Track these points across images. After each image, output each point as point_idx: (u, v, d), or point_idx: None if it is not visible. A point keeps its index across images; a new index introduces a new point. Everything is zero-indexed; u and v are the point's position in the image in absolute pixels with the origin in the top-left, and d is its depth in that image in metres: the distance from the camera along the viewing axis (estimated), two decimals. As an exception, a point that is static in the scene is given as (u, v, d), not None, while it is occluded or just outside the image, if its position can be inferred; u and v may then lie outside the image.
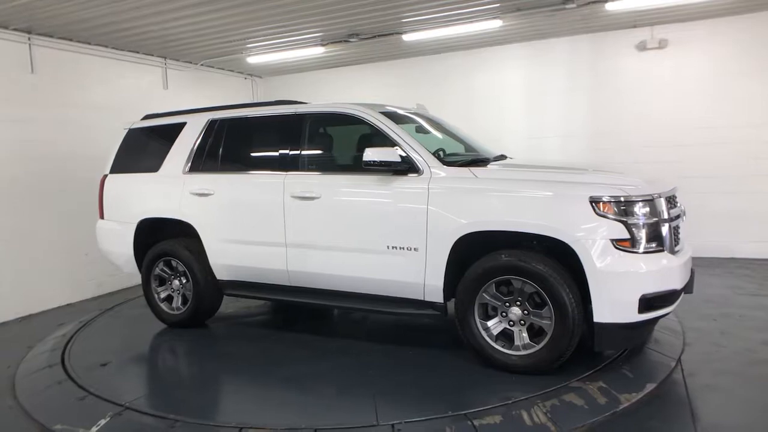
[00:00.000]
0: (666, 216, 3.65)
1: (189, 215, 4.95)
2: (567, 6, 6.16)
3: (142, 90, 7.80)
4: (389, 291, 4.21)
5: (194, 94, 8.57)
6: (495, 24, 6.74)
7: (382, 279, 4.18)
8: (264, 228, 4.62)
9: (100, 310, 6.11)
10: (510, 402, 3.36)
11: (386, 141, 4.22)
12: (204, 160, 5.03)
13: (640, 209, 3.53)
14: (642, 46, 7.50)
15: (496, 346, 3.82)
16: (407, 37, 7.27)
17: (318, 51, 7.86)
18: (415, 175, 4.04)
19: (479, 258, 3.86)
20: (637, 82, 7.63)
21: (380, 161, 3.99)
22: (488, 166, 4.18)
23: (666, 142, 7.55)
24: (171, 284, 5.25)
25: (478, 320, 3.87)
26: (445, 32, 7.05)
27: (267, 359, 4.33)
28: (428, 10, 6.35)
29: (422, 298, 4.09)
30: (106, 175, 5.59)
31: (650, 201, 3.57)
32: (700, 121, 7.38)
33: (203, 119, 5.14)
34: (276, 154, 4.69)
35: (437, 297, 4.02)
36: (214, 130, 5.06)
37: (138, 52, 7.63)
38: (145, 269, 5.28)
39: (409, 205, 4.02)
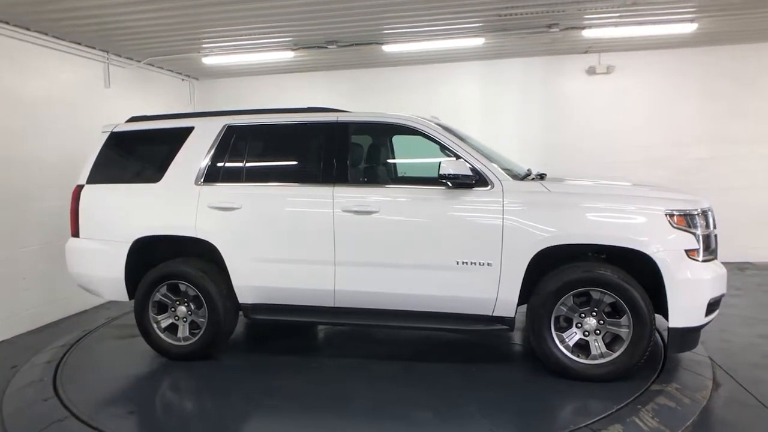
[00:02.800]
0: (714, 227, 4.01)
1: (208, 232, 4.40)
2: (551, 30, 6.52)
3: (82, 87, 6.78)
4: (455, 308, 4.10)
5: (142, 96, 7.66)
6: (478, 41, 6.92)
7: (450, 296, 4.07)
8: (307, 245, 4.26)
9: (65, 345, 5.16)
10: (614, 411, 3.45)
11: (447, 154, 4.12)
12: (223, 169, 4.51)
13: (701, 221, 3.84)
14: (591, 71, 8.19)
15: (573, 357, 3.90)
16: (387, 48, 7.19)
17: (287, 56, 7.45)
18: (485, 188, 4.00)
19: (544, 271, 3.94)
20: (585, 103, 8.31)
21: (454, 174, 3.89)
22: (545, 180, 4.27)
23: (607, 158, 8.29)
24: (175, 311, 4.59)
25: (554, 333, 3.92)
26: (427, 46, 7.08)
27: (327, 391, 3.94)
28: (412, 23, 6.35)
29: (491, 314, 4.05)
30: (81, 186, 4.77)
31: (707, 213, 3.91)
32: (637, 140, 8.22)
33: (217, 124, 4.61)
34: (319, 165, 4.35)
35: (508, 311, 4.00)
36: (233, 136, 4.55)
37: (79, 43, 6.63)
38: (142, 295, 4.57)
39: (483, 219, 3.97)
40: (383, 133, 4.54)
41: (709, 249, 3.86)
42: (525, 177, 4.28)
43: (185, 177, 4.53)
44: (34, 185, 5.98)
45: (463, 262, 3.99)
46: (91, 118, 6.77)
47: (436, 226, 4.08)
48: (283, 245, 4.30)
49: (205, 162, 4.53)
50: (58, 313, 6.28)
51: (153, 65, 7.98)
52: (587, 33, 6.69)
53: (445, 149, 4.15)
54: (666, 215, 3.74)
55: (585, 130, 8.32)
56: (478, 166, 4.03)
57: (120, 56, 7.33)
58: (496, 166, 4.10)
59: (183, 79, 9.00)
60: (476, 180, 4.00)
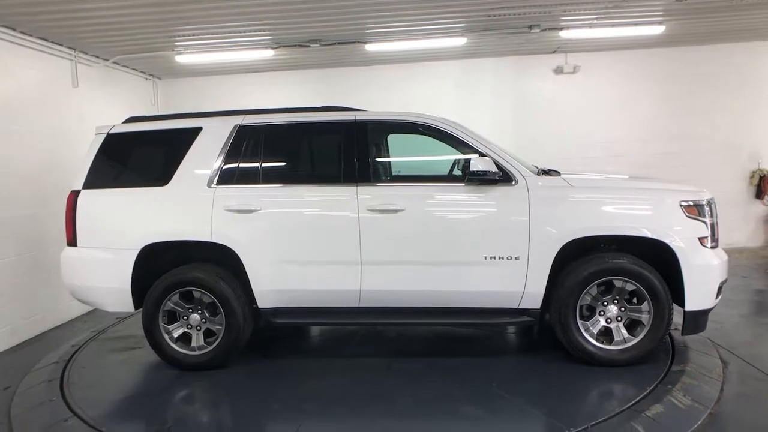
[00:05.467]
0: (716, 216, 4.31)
1: (226, 236, 4.24)
2: (531, 31, 6.74)
3: (49, 87, 6.34)
4: (481, 302, 4.18)
5: (106, 96, 7.25)
6: (460, 41, 7.05)
7: (477, 291, 4.14)
8: (332, 245, 4.20)
9: (59, 362, 4.81)
10: (648, 392, 3.64)
11: (469, 151, 4.20)
12: (238, 171, 4.36)
13: (708, 210, 4.11)
14: (559, 70, 8.54)
15: (598, 344, 4.08)
16: (370, 47, 7.18)
17: (267, 54, 7.28)
18: (509, 184, 4.10)
19: (564, 264, 4.10)
20: (553, 102, 8.65)
21: (483, 171, 3.97)
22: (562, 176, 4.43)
23: (573, 154, 8.68)
24: (188, 320, 4.40)
25: (579, 322, 4.08)
26: (410, 45, 7.13)
27: (365, 391, 3.91)
28: (397, 22, 6.39)
29: (517, 306, 4.16)
30: (77, 192, 4.47)
31: (711, 203, 4.19)
32: (601, 137, 8.66)
33: (227, 125, 4.45)
34: (340, 165, 4.30)
35: (534, 304, 4.13)
36: (246, 137, 4.42)
37: (46, 40, 6.19)
38: (152, 305, 4.34)
39: (510, 214, 4.07)
40: (402, 131, 4.54)
41: (715, 236, 4.15)
42: (539, 173, 4.43)
43: (196, 180, 4.35)
44: (2, 192, 5.51)
45: (491, 257, 4.07)
46: (60, 119, 6.38)
47: (463, 222, 4.15)
48: (305, 247, 4.22)
49: (218, 164, 4.37)
50: (35, 329, 5.84)
51: (118, 63, 7.56)
52: (564, 34, 6.97)
53: (467, 147, 4.22)
54: (681, 206, 3.98)
55: (553, 128, 8.66)
56: (502, 162, 4.13)
57: (87, 54, 6.90)
58: (517, 162, 4.21)
59: (147, 79, 8.59)
60: (500, 176, 4.09)
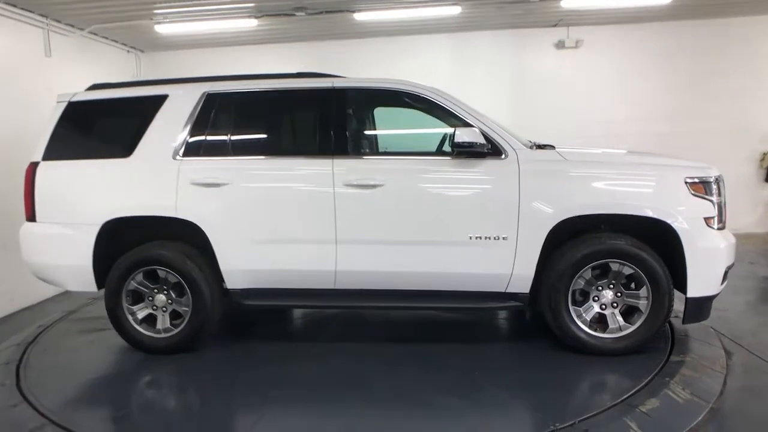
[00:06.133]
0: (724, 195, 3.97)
1: (191, 211, 3.93)
2: (531, 0, 6.35)
3: (19, 55, 6.00)
4: (466, 285, 3.88)
5: (85, 68, 6.91)
6: (454, 10, 6.66)
7: (461, 273, 3.83)
8: (305, 223, 3.89)
9: (21, 344, 4.54)
10: (644, 384, 3.34)
11: (456, 122, 3.85)
12: (206, 142, 4.04)
13: (716, 189, 3.77)
14: (560, 45, 8.14)
15: (591, 332, 3.77)
16: (359, 16, 6.80)
17: (250, 24, 6.91)
18: (499, 157, 3.77)
19: (556, 245, 3.77)
20: (554, 77, 8.27)
21: (469, 143, 3.64)
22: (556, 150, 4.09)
23: (574, 133, 8.29)
24: (153, 300, 4.12)
25: (572, 308, 3.77)
26: (401, 15, 6.76)
27: (339, 377, 3.63)
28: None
29: (504, 290, 3.85)
30: (35, 164, 4.17)
31: (719, 181, 3.85)
32: (602, 115, 8.28)
33: (195, 92, 4.12)
34: (316, 135, 3.98)
35: (523, 287, 3.82)
36: (215, 105, 4.09)
37: (15, 6, 5.84)
38: (115, 284, 4.06)
39: (498, 190, 3.74)
40: (385, 100, 4.21)
41: (722, 217, 3.81)
42: (532, 147, 4.08)
43: (161, 151, 4.03)
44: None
45: (476, 237, 3.75)
46: (31, 89, 6.05)
47: (447, 198, 3.82)
48: (276, 224, 3.92)
49: (184, 134, 4.04)
50: (2, 310, 5.58)
51: (97, 34, 7.22)
52: (565, 3, 6.58)
53: (453, 117, 3.88)
54: (686, 183, 3.65)
55: (553, 106, 8.28)
56: (491, 134, 3.79)
57: (60, 22, 6.55)
58: (509, 134, 3.87)
59: (128, 51, 8.25)
60: (489, 149, 3.76)
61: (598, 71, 8.23)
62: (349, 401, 3.31)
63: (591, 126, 8.26)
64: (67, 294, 6.20)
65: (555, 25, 8.03)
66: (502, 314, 4.87)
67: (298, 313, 5.09)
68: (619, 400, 3.15)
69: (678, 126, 8.24)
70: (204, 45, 8.30)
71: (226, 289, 4.08)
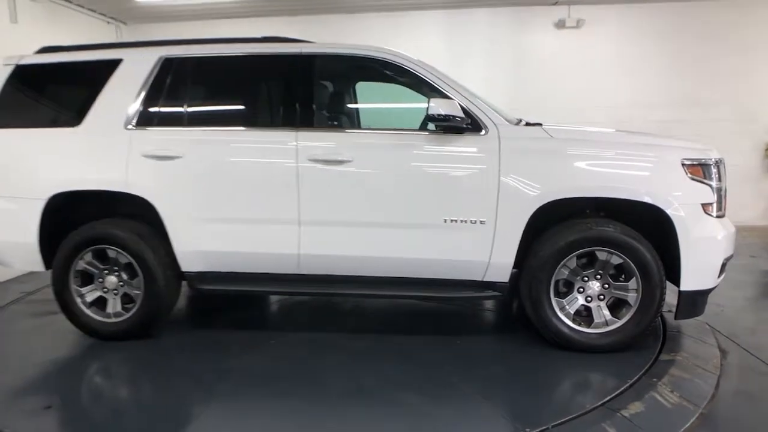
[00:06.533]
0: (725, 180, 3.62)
1: (142, 186, 3.61)
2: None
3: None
4: (439, 273, 3.56)
5: (53, 35, 6.54)
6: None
7: (434, 259, 3.51)
8: (265, 201, 3.57)
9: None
10: (629, 385, 3.02)
11: (434, 94, 3.51)
12: (161, 111, 3.72)
13: (716, 172, 3.43)
14: (561, 24, 7.75)
15: (575, 326, 3.45)
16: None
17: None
18: (478, 133, 3.43)
19: (538, 231, 3.45)
20: (554, 58, 7.89)
21: (445, 115, 3.29)
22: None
23: (573, 118, 7.90)
24: (103, 282, 3.81)
25: (554, 299, 3.45)
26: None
27: (295, 372, 3.32)
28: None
29: (481, 279, 3.53)
30: (-23, 132, 3.85)
31: (719, 164, 3.51)
32: (605, 100, 7.90)
33: (151, 56, 3.78)
34: (280, 106, 3.66)
35: (502, 276, 3.50)
36: (172, 71, 3.75)
37: (-24, -33, 5.50)
38: (62, 264, 3.75)
39: (476, 169, 3.41)
40: (357, 68, 3.88)
41: (722, 204, 3.47)
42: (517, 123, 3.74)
43: (112, 120, 3.70)
44: None
45: (451, 220, 3.43)
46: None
47: (421, 177, 3.49)
48: (234, 201, 3.59)
49: (138, 101, 3.71)
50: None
51: (71, 1, 6.86)
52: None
53: (430, 87, 3.53)
54: (683, 165, 3.31)
55: (553, 89, 7.92)
56: (470, 107, 3.45)
57: (28, -14, 6.21)
58: (491, 108, 3.53)
59: (108, 22, 7.88)
60: (468, 124, 3.42)
61: (599, 53, 7.86)
62: (302, 398, 2.99)
63: (592, 111, 7.88)
64: (34, 274, 5.91)
65: (555, 3, 7.65)
66: (487, 305, 4.56)
67: (269, 299, 4.78)
68: (600, 402, 2.83)
69: (683, 112, 7.87)
70: (189, 18, 7.94)
71: (182, 272, 3.77)
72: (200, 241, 3.65)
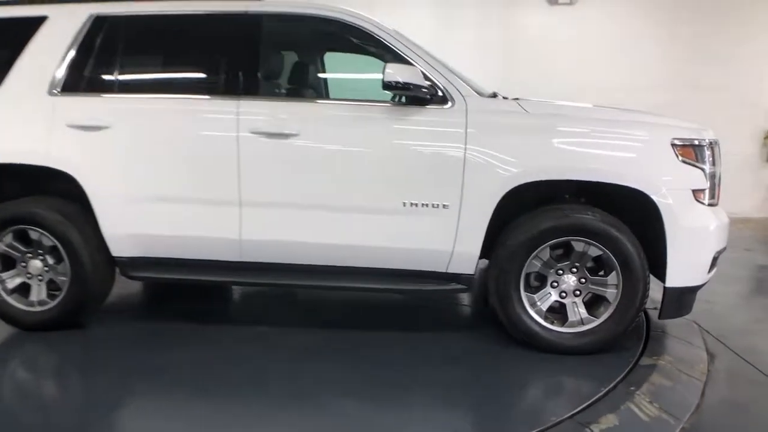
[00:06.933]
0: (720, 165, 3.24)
1: (66, 159, 3.21)
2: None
3: None
4: (399, 262, 3.18)
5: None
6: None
7: (393, 247, 3.13)
8: (202, 178, 3.19)
9: None
10: (603, 394, 2.66)
11: (392, 59, 3.09)
12: (89, 75, 3.31)
13: (710, 155, 3.05)
14: (554, 0, 7.29)
15: (547, 324, 3.08)
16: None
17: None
18: (444, 106, 3.03)
19: (509, 217, 3.07)
20: (545, 38, 7.45)
21: (404, 83, 2.88)
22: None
23: (567, 99, 7.53)
24: (26, 267, 3.42)
25: (524, 294, 3.07)
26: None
27: (228, 371, 2.93)
28: None
29: (444, 270, 3.15)
30: None
31: (713, 146, 3.12)
32: (600, 81, 7.45)
33: (81, 14, 3.35)
34: (220, 71, 3.26)
35: (467, 267, 3.12)
36: (103, 31, 3.32)
37: None
38: (-21, 246, 3.37)
39: (439, 146, 3.03)
40: (311, 31, 3.47)
41: (714, 191, 3.09)
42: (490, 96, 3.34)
43: (34, 84, 3.29)
44: None
45: (411, 204, 3.04)
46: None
47: (377, 154, 3.10)
48: (168, 179, 3.20)
49: (64, 65, 3.29)
50: None
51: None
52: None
53: (391, 53, 3.12)
54: (672, 145, 2.92)
55: (543, 69, 7.44)
56: (435, 76, 3.05)
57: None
58: (459, 79, 3.13)
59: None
60: (432, 95, 3.02)
61: (595, 32, 7.43)
62: (225, 403, 2.61)
63: (584, 92, 7.41)
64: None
65: (547, -23, 7.20)
66: (455, 298, 4.17)
67: (227, 289, 4.36)
68: (568, 415, 2.46)
69: (680, 96, 7.41)
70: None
71: (113, 257, 3.38)
72: (131, 222, 3.25)
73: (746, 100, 7.35)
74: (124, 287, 4.10)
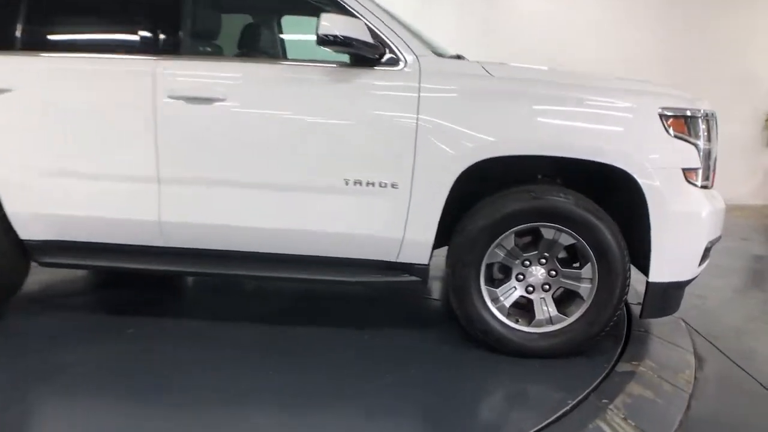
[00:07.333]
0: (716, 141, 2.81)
1: (-42, 127, 2.77)
2: None
3: None
4: (341, 250, 2.76)
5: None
6: None
7: (333, 232, 2.71)
8: (115, 150, 2.75)
9: None
10: (569, 408, 2.25)
11: (333, 10, 2.62)
12: (-15, 29, 2.85)
13: (705, 129, 2.62)
14: (541, -28, 6.81)
15: (510, 323, 2.67)
16: None
17: None
18: (394, 67, 2.59)
19: (471, 199, 2.64)
20: (532, 13, 7.01)
21: (344, 38, 2.43)
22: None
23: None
24: (-77, 250, 2.99)
25: (484, 288, 2.66)
26: None
27: (138, 373, 2.53)
28: None
29: (395, 259, 2.73)
30: None
31: (711, 119, 2.69)
32: (590, 55, 6.99)
33: (-23, -44, 2.89)
34: (135, 26, 2.80)
35: (420, 257, 2.70)
36: (3, -23, 2.86)
37: None
38: None
39: (387, 114, 2.59)
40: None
41: (709, 171, 2.67)
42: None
43: None
44: None
45: (355, 182, 2.61)
46: None
47: (315, 124, 2.65)
48: (77, 151, 2.76)
49: (-44, 16, 2.83)
50: None
51: None
52: None
53: (334, 4, 2.65)
54: (661, 116, 2.49)
55: (531, 42, 6.98)
56: (384, 31, 2.59)
57: None
58: (412, 36, 2.68)
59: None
60: (380, 54, 2.58)
61: (585, 5, 6.94)
62: (119, 412, 2.21)
63: (575, 68, 7.01)
64: None
65: (536, -56, 6.70)
66: (430, 291, 3.75)
67: (174, 279, 3.94)
68: (526, 434, 2.07)
69: (677, 76, 6.88)
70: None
71: (20, 240, 2.95)
72: (38, 201, 2.82)
73: (748, 80, 6.97)
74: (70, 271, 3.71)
